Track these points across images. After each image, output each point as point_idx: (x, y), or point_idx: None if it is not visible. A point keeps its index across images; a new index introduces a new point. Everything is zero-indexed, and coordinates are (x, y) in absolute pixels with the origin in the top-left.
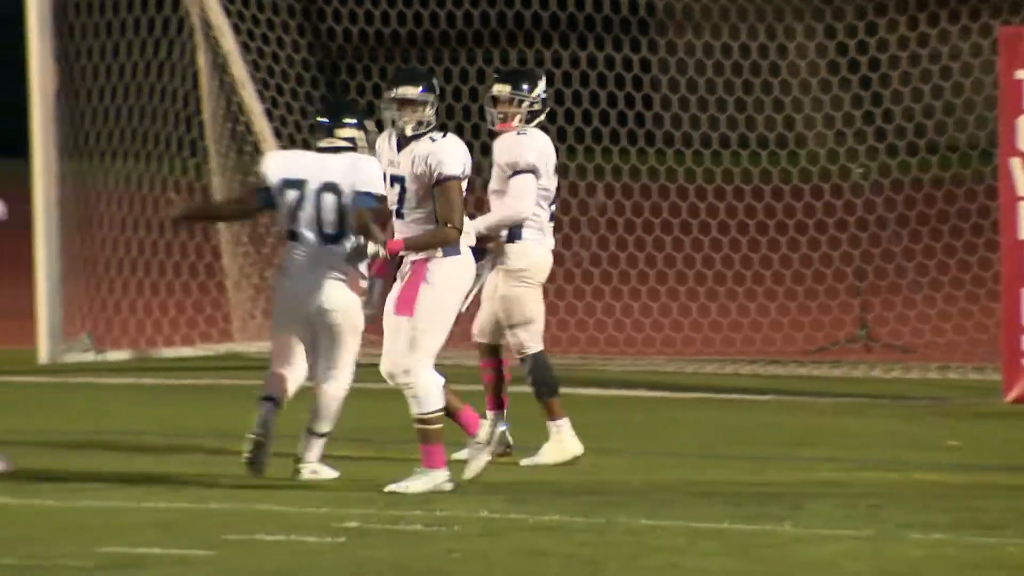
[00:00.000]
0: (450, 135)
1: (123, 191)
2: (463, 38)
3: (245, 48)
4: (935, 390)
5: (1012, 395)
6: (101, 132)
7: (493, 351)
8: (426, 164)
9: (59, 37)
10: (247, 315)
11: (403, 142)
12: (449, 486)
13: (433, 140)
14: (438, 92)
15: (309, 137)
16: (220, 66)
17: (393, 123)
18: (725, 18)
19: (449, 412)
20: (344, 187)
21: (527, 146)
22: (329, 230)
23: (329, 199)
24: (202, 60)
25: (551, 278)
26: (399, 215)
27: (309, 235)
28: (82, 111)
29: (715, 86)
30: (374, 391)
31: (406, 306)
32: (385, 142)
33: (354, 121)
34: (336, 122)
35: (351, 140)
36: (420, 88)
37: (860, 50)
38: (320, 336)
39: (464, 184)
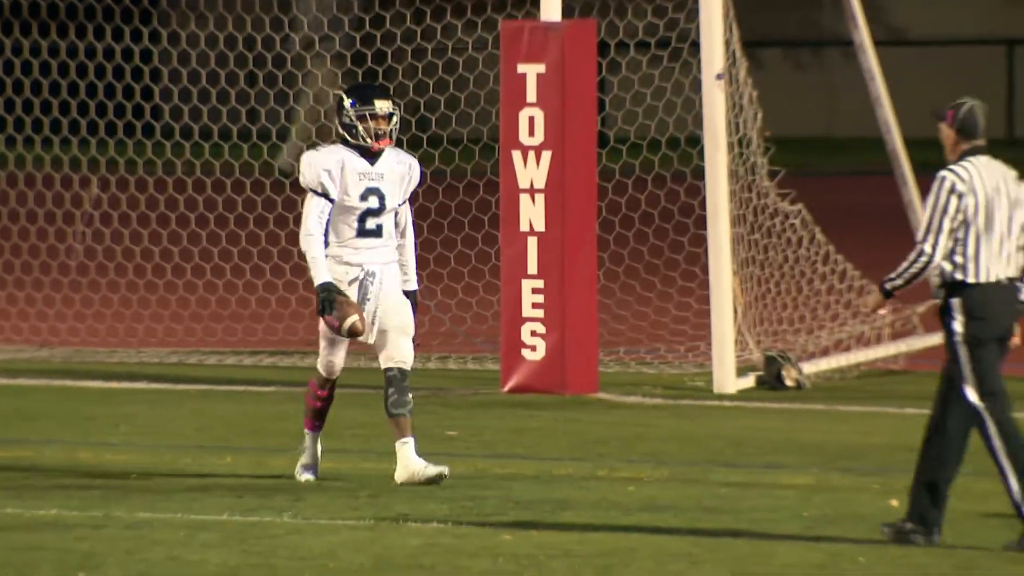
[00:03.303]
0: None
1: None
2: None
3: None
4: (435, 380)
5: (510, 385)
6: None
7: None
8: None
9: None
10: None
11: None
12: None
13: None
14: None
15: None
16: None
17: None
18: (231, 9)
19: None
20: None
21: None
22: None
23: None
24: None
25: (46, 271)
26: None
27: None
28: None
29: (218, 77)
30: None
31: None
32: None
33: None
34: None
35: None
36: None
37: (366, 43)
38: None
39: None
